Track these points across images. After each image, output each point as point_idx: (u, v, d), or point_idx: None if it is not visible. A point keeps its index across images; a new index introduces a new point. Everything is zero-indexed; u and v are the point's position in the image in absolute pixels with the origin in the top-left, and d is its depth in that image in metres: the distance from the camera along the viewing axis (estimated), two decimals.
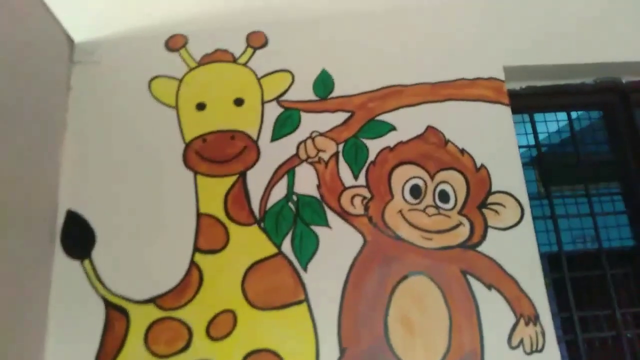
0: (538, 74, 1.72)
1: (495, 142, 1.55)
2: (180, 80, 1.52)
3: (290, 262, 1.38)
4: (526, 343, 1.37)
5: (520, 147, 1.61)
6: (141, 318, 1.31)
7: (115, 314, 1.31)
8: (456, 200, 1.49)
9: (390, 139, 1.52)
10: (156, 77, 1.52)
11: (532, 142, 1.81)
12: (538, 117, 1.91)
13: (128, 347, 1.29)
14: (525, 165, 1.58)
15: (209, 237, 1.38)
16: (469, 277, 1.42)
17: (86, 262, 1.34)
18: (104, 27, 1.48)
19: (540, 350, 1.37)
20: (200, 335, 1.31)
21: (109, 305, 1.32)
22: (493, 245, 1.45)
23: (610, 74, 1.78)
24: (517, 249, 1.45)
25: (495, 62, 1.63)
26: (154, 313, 1.32)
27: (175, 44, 1.55)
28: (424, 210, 1.47)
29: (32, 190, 1.29)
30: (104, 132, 1.46)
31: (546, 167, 1.79)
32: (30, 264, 1.25)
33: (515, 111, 1.65)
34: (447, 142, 1.54)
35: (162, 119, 1.48)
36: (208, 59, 1.55)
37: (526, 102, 1.78)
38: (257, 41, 1.57)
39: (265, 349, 1.30)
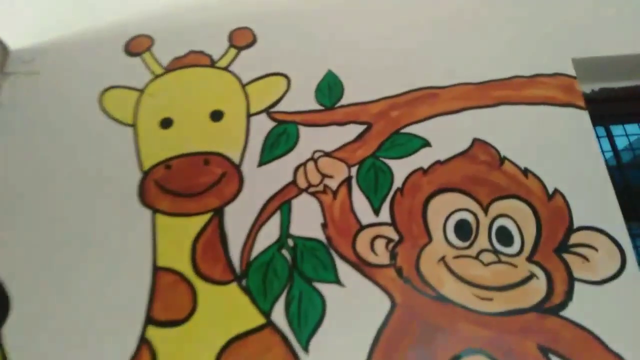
0: (615, 70, 1.30)
1: (572, 158, 1.11)
2: (142, 91, 1.17)
3: (284, 338, 0.94)
4: None
5: None
6: None
7: None
8: (523, 242, 1.04)
9: (423, 158, 1.11)
10: (110, 87, 1.17)
11: (610, 162, 1.37)
12: (617, 130, 1.46)
13: None
14: None
15: (168, 302, 0.97)
16: (552, 357, 0.94)
17: None
18: (47, 30, 1.17)
19: None
20: None
21: None
22: (585, 308, 0.98)
23: None
24: (621, 311, 0.97)
25: (560, 54, 1.22)
26: None
27: (137, 46, 1.21)
28: (477, 257, 1.02)
29: None
30: (37, 160, 1.10)
31: (636, 194, 1.32)
32: None
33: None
34: (503, 160, 1.11)
35: (114, 140, 1.11)
36: (179, 64, 1.20)
37: (601, 109, 1.35)
38: (242, 39, 1.22)
39: None
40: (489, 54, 1.21)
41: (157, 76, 1.19)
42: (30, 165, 1.10)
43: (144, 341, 0.94)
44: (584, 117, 1.15)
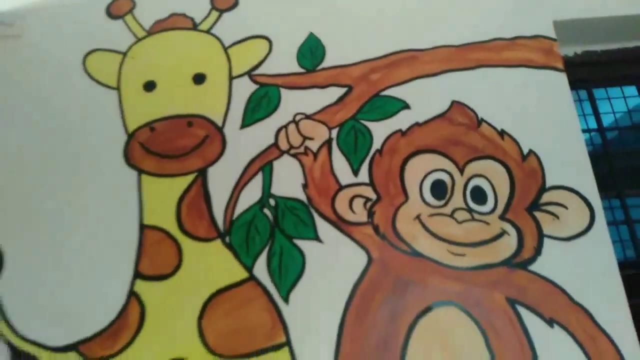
0: (598, 32, 1.31)
1: (548, 120, 1.13)
2: (124, 54, 1.18)
3: (265, 291, 1.00)
4: None
5: None
6: None
7: None
8: (496, 201, 1.07)
9: (401, 120, 1.13)
10: (93, 51, 1.18)
11: (592, 125, 1.39)
12: (599, 93, 1.48)
13: None
14: None
15: (155, 257, 1.02)
16: (519, 308, 0.99)
17: None
18: None
19: None
20: None
21: (16, 354, 0.96)
22: (552, 262, 1.03)
23: None
24: (587, 266, 1.02)
25: (542, 16, 1.22)
26: None
27: (118, 9, 1.22)
28: (451, 215, 1.06)
29: None
30: (22, 123, 1.12)
31: (615, 157, 1.35)
32: None
33: (573, 86, 1.24)
34: (480, 122, 1.14)
35: (98, 103, 1.13)
36: (161, 26, 1.21)
37: (583, 73, 1.37)
38: (223, 2, 1.22)
39: None
40: (469, 16, 1.22)
41: (139, 39, 1.20)
42: (16, 128, 1.12)
43: (132, 294, 0.99)
44: (563, 79, 1.17)
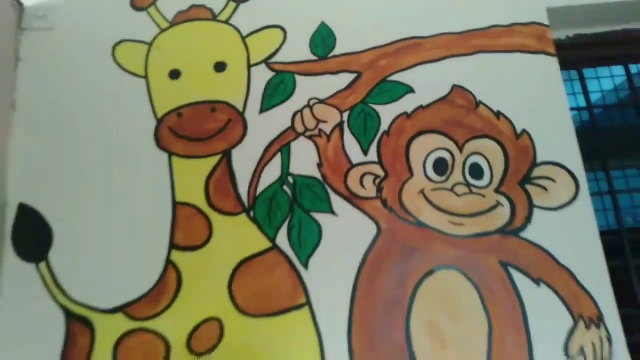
0: (588, 17, 1.40)
1: (540, 101, 1.24)
2: (150, 45, 1.27)
3: (287, 258, 1.13)
4: (588, 352, 1.08)
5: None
6: (109, 331, 1.08)
7: (78, 326, 1.09)
8: (492, 176, 1.20)
9: (407, 104, 1.24)
10: (121, 41, 1.27)
11: (582, 103, 1.50)
12: (589, 73, 1.58)
13: None
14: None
15: (188, 231, 1.14)
16: (511, 270, 1.13)
17: (42, 265, 1.12)
18: None
19: None
20: (179, 350, 1.07)
21: (70, 316, 1.09)
22: (541, 230, 1.15)
23: None
24: (572, 233, 1.15)
25: (536, 4, 1.31)
26: (124, 324, 1.08)
27: (142, 1, 1.30)
28: (451, 190, 1.18)
29: None
30: (60, 110, 1.22)
31: (602, 133, 1.46)
32: None
33: (561, 67, 1.34)
34: (478, 104, 1.25)
35: (129, 91, 1.23)
36: (182, 18, 1.30)
37: (574, 54, 1.46)
38: None
39: None
40: (469, 4, 1.31)
41: (163, 30, 1.28)
42: (54, 116, 1.22)
43: (169, 262, 1.12)
44: (554, 64, 1.27)
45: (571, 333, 1.09)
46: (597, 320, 1.10)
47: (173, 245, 1.13)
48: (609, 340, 1.09)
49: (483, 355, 1.07)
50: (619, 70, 1.58)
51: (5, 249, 1.12)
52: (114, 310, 1.09)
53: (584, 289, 1.11)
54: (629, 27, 1.45)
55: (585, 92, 1.51)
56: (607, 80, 1.64)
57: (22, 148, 1.19)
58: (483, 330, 1.09)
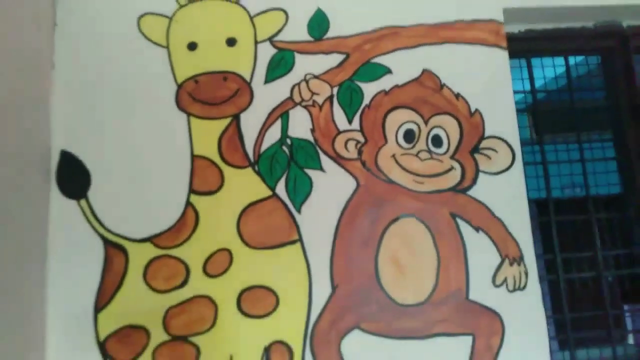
0: (538, 16, 1.68)
1: (491, 87, 1.54)
2: (171, 19, 1.47)
3: (284, 204, 1.41)
4: (509, 282, 1.43)
5: (515, 92, 1.59)
6: (139, 256, 1.35)
7: (114, 251, 1.35)
8: (449, 145, 1.50)
9: (385, 82, 1.51)
10: (145, 14, 1.47)
11: (527, 87, 1.80)
12: (536, 62, 1.88)
13: (127, 283, 1.34)
14: (519, 111, 1.59)
15: (203, 179, 1.40)
16: (458, 219, 1.46)
17: (82, 201, 1.36)
18: None
19: (523, 289, 1.43)
20: (197, 273, 1.35)
21: (107, 243, 1.35)
22: (483, 190, 1.48)
23: (612, 17, 1.74)
24: (506, 193, 1.49)
25: (494, 4, 1.58)
26: (152, 251, 1.35)
27: None
28: (416, 155, 1.48)
29: (23, 132, 1.28)
30: (94, 72, 1.42)
31: (540, 113, 1.79)
32: (26, 206, 1.27)
33: (513, 55, 1.63)
34: (442, 86, 1.53)
35: (153, 58, 1.44)
36: None
37: (524, 46, 1.75)
38: None
39: (260, 285, 1.36)
40: (439, 2, 1.56)
41: (181, 6, 1.48)
42: (88, 76, 1.42)
43: (189, 204, 1.38)
44: (504, 56, 1.56)
45: (498, 268, 1.44)
46: (519, 259, 1.45)
47: (192, 190, 1.39)
48: (526, 274, 1.44)
49: (432, 280, 1.40)
50: (560, 60, 1.89)
51: (51, 189, 1.35)
52: (143, 240, 1.36)
53: (511, 236, 1.46)
54: (571, 26, 1.75)
55: (531, 78, 1.81)
56: (549, 69, 1.95)
57: (61, 103, 1.40)
58: (433, 263, 1.42)
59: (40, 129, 1.36)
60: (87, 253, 1.34)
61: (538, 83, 1.85)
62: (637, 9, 1.70)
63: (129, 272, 1.34)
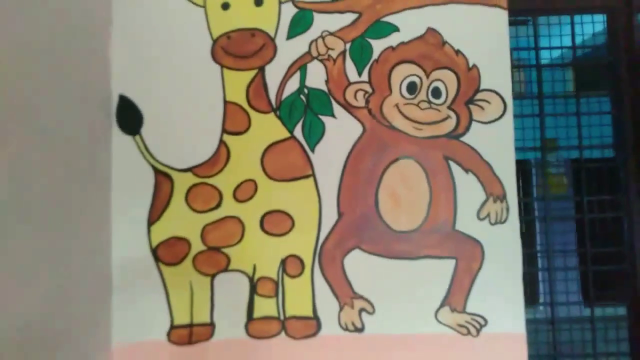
0: None
1: (489, 44, 1.70)
2: None
3: (300, 145, 1.67)
4: (492, 216, 1.67)
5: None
6: (182, 183, 1.66)
7: (162, 178, 1.66)
8: (447, 96, 1.70)
9: (393, 40, 1.70)
10: None
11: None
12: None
13: (173, 205, 1.66)
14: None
15: (234, 121, 1.67)
16: (450, 162, 1.68)
17: (137, 137, 1.67)
18: None
19: (503, 222, 1.67)
20: (228, 198, 1.66)
21: (157, 172, 1.67)
22: (475, 137, 1.69)
23: None
24: (495, 140, 1.69)
25: None
26: (192, 179, 1.66)
27: None
28: (417, 105, 1.70)
29: (87, 81, 1.58)
30: (144, 29, 1.69)
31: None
32: (92, 142, 1.59)
33: (518, 14, 1.78)
34: (444, 43, 1.71)
35: (193, 17, 1.69)
36: None
37: (529, 5, 1.89)
38: None
39: (279, 210, 1.66)
40: None
41: None
42: (140, 30, 1.69)
43: (222, 141, 1.67)
44: (504, 16, 1.70)
45: (483, 204, 1.67)
46: (502, 197, 1.68)
47: (224, 130, 1.67)
48: (507, 210, 1.67)
49: (424, 212, 1.66)
50: (566, 19, 2.01)
51: (113, 127, 1.67)
52: (185, 170, 1.67)
53: (496, 177, 1.68)
54: None
55: (535, 33, 1.95)
56: (556, 27, 2.07)
57: (119, 54, 1.68)
58: (426, 197, 1.67)
59: (101, 77, 1.65)
60: (141, 180, 1.66)
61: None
62: None
63: (174, 195, 1.66)
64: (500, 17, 1.71)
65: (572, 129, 1.98)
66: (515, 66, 1.83)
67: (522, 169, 1.91)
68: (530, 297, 1.88)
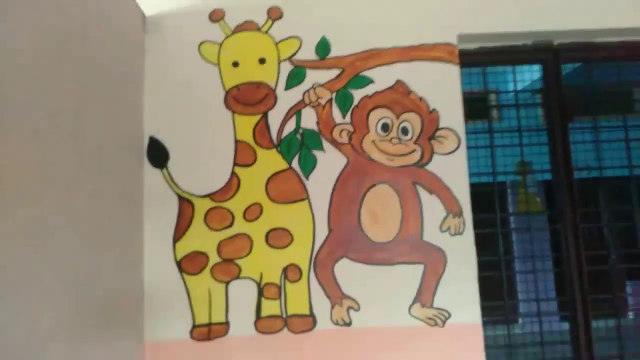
0: (488, 38, 2.27)
1: (445, 92, 2.15)
2: (220, 45, 2.12)
3: (297, 174, 2.08)
4: (452, 229, 2.08)
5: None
6: (202, 207, 2.05)
7: (185, 203, 2.04)
8: (413, 134, 2.14)
9: (369, 89, 2.14)
10: (203, 42, 2.12)
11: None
12: (491, 69, 2.48)
13: (194, 225, 2.04)
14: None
15: (243, 156, 2.07)
16: (417, 186, 2.11)
17: (164, 170, 2.05)
18: (166, 3, 2.07)
19: (461, 234, 2.08)
20: (239, 218, 2.05)
21: (180, 198, 2.05)
22: (436, 165, 2.12)
23: (545, 37, 2.31)
24: (453, 168, 2.12)
25: (451, 30, 2.18)
26: (210, 204, 2.05)
27: (216, 16, 2.12)
28: (390, 141, 2.13)
29: (124, 124, 1.96)
30: (170, 82, 2.10)
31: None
32: (129, 173, 1.96)
33: (470, 65, 2.25)
34: (410, 92, 2.15)
35: (209, 73, 2.11)
36: (239, 29, 2.13)
37: (479, 59, 2.35)
38: (275, 15, 2.14)
39: (280, 227, 2.04)
40: (411, 29, 2.16)
41: (228, 36, 2.12)
42: (168, 82, 2.09)
43: (233, 173, 2.06)
44: (457, 70, 2.16)
45: (444, 219, 2.09)
46: (459, 214, 2.09)
47: (235, 163, 2.07)
48: (463, 224, 2.09)
49: (397, 226, 2.07)
50: (509, 69, 2.48)
51: (144, 162, 2.05)
52: (204, 196, 2.05)
53: (454, 197, 2.10)
54: (514, 44, 2.33)
55: (484, 82, 2.42)
56: (502, 74, 2.54)
57: (149, 103, 2.08)
58: (398, 214, 2.08)
59: (136, 122, 2.04)
60: (168, 205, 2.04)
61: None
62: (564, 32, 2.26)
63: (195, 217, 2.04)
64: (453, 71, 2.17)
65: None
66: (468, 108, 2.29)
67: (500, 189, 2.33)
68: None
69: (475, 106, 2.46)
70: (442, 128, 2.14)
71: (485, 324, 2.09)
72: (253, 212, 2.05)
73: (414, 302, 2.04)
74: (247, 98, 2.10)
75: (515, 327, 2.49)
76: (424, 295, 2.05)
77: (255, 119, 2.09)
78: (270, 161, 2.08)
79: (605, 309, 2.66)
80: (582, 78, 2.53)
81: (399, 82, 2.16)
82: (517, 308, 3.70)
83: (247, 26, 2.14)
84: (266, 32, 2.14)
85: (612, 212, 3.07)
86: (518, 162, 2.66)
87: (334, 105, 2.13)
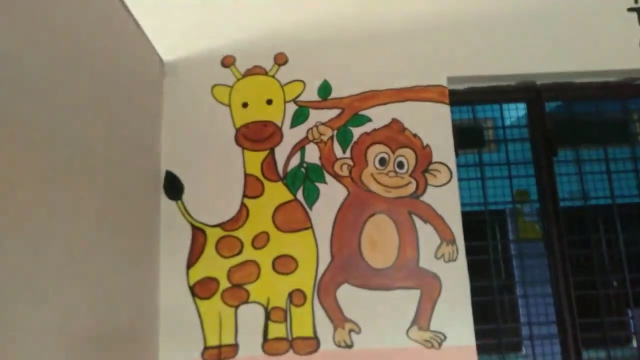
0: (474, 79, 2.49)
1: (437, 129, 2.35)
2: (231, 87, 2.34)
3: (302, 205, 2.25)
4: (446, 256, 2.24)
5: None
6: (213, 235, 2.21)
7: (198, 232, 2.21)
8: (408, 167, 2.32)
9: (367, 127, 2.34)
10: (216, 85, 2.33)
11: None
12: (479, 107, 2.69)
13: (206, 252, 2.20)
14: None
15: (252, 188, 2.25)
16: (413, 216, 2.27)
17: (179, 202, 2.23)
18: (182, 49, 2.29)
19: (455, 260, 2.24)
20: (248, 246, 2.20)
21: (194, 227, 2.21)
22: (430, 197, 2.29)
23: (528, 79, 2.53)
24: (445, 199, 2.29)
25: (441, 74, 2.40)
26: (221, 233, 2.21)
27: (227, 62, 2.35)
28: (387, 174, 2.31)
29: (144, 160, 2.15)
30: (185, 121, 2.30)
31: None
32: (146, 205, 2.14)
33: (459, 104, 2.46)
34: (404, 129, 2.35)
35: (221, 113, 2.31)
36: (249, 73, 2.35)
37: (467, 98, 2.56)
38: (281, 60, 2.36)
39: (286, 254, 2.20)
40: (404, 73, 2.38)
41: (238, 79, 2.34)
42: (182, 121, 2.29)
43: (243, 204, 2.23)
44: (447, 109, 2.36)
45: (439, 247, 2.24)
46: (452, 242, 2.25)
47: (244, 195, 2.24)
48: (457, 251, 2.25)
49: (395, 253, 2.22)
50: (496, 107, 2.69)
51: (161, 194, 2.22)
52: (215, 226, 2.22)
53: (447, 226, 2.26)
54: (499, 84, 2.54)
55: (474, 115, 2.62)
56: (490, 111, 2.75)
57: (166, 140, 2.27)
58: (396, 242, 2.24)
59: (154, 157, 2.23)
60: (182, 234, 2.21)
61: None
62: (546, 74, 2.48)
63: (207, 245, 2.20)
64: (444, 110, 2.37)
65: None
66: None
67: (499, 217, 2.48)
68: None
69: (468, 137, 2.64)
70: (435, 162, 2.33)
71: (484, 350, 2.22)
72: (261, 240, 2.21)
73: (411, 325, 2.18)
74: (256, 135, 2.29)
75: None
76: (421, 318, 2.18)
77: (263, 154, 2.28)
78: (276, 193, 2.25)
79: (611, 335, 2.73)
80: (566, 111, 2.72)
81: (394, 121, 2.36)
82: (520, 333, 3.80)
83: (255, 70, 2.36)
84: (273, 76, 2.36)
85: (607, 240, 3.22)
86: (516, 190, 2.84)
87: (335, 141, 2.32)
